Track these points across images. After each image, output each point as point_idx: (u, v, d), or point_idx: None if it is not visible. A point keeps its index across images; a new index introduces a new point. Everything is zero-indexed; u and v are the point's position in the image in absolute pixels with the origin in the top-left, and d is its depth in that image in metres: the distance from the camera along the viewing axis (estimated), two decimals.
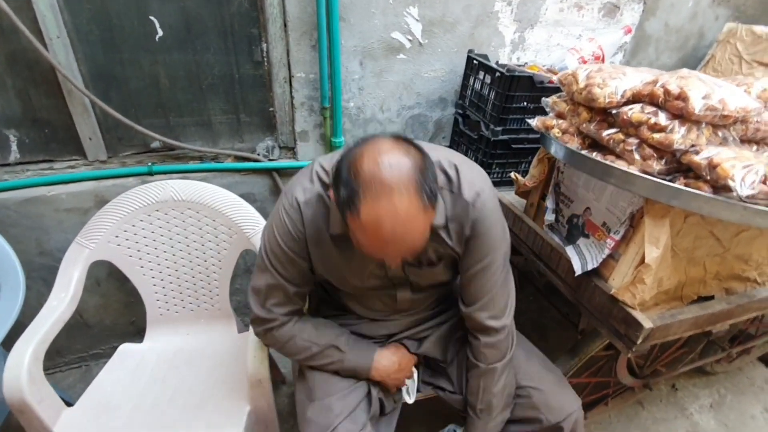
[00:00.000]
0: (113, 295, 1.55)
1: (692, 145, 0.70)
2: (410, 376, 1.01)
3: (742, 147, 0.72)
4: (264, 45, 1.33)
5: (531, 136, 1.32)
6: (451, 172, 0.78)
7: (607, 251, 0.85)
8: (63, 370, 1.66)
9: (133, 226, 1.26)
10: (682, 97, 0.68)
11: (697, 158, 0.68)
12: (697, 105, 0.66)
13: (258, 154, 1.48)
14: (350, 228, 0.67)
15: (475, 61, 1.38)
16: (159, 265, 1.31)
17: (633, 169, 0.74)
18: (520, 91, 1.24)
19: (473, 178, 0.79)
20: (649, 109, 0.73)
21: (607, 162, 0.77)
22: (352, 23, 1.32)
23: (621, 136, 0.77)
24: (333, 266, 0.88)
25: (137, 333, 1.62)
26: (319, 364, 0.94)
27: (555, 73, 1.29)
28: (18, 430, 1.08)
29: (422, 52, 1.45)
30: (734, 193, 0.62)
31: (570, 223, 0.99)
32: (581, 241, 0.95)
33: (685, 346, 1.37)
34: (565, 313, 1.32)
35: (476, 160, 1.40)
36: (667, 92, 0.71)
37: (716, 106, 0.67)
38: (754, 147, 0.77)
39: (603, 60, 1.39)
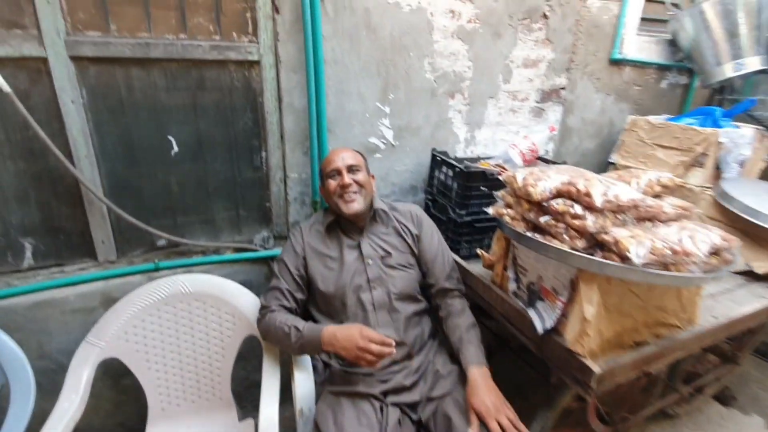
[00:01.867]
0: (105, 395, 1.56)
1: (602, 227, 0.96)
2: (384, 347, 1.08)
3: (637, 226, 1.00)
4: (263, 153, 1.58)
5: (490, 216, 1.60)
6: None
7: (558, 312, 1.07)
8: None
9: (143, 321, 1.36)
10: (587, 194, 0.96)
11: (606, 237, 0.95)
12: (598, 200, 0.94)
13: (255, 245, 1.66)
14: (322, 168, 1.35)
15: (438, 158, 1.69)
16: (164, 358, 1.39)
17: (565, 247, 0.99)
18: (476, 182, 1.53)
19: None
20: (569, 202, 1.01)
21: (546, 242, 1.02)
22: (337, 133, 1.62)
23: (553, 221, 1.03)
24: (325, 269, 1.30)
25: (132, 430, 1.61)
26: (289, 344, 1.20)
27: (502, 167, 1.61)
28: None
29: (394, 152, 1.76)
30: (633, 262, 0.88)
31: (529, 290, 1.21)
32: (539, 305, 1.17)
33: (644, 391, 1.57)
34: (538, 370, 1.50)
35: (447, 239, 1.64)
36: (578, 191, 0.99)
37: (611, 199, 0.95)
38: (649, 224, 1.06)
39: (537, 153, 1.74)
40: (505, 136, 1.98)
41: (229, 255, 1.62)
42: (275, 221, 1.68)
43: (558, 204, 1.01)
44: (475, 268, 1.50)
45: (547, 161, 1.79)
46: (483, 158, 1.83)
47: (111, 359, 1.33)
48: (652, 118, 2.08)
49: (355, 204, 1.29)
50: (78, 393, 1.22)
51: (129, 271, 1.49)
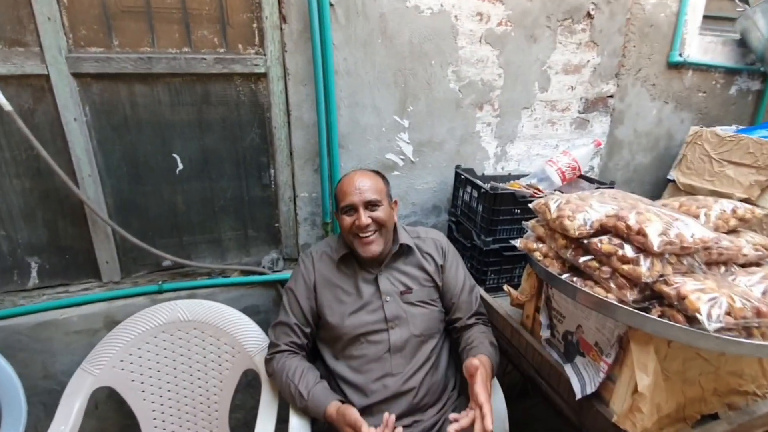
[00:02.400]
0: (110, 419, 1.51)
1: (660, 275, 0.76)
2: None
3: (708, 273, 0.78)
4: (272, 171, 1.48)
5: None
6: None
7: (602, 375, 0.86)
8: None
9: (139, 349, 1.29)
10: (641, 233, 0.76)
11: (666, 289, 0.74)
12: (655, 242, 0.73)
13: (263, 267, 1.55)
14: (336, 195, 1.20)
15: (462, 176, 1.52)
16: (160, 389, 1.31)
17: (611, 298, 0.79)
18: (505, 205, 1.34)
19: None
20: (616, 240, 0.81)
21: (587, 290, 0.82)
22: (350, 149, 1.49)
23: (596, 263, 0.83)
24: (336, 302, 1.16)
25: None
26: (293, 403, 1.11)
27: (536, 189, 1.41)
28: None
29: (414, 168, 1.60)
30: (704, 327, 0.66)
31: (566, 340, 1.01)
32: (579, 360, 0.96)
33: None
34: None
35: (471, 268, 1.46)
36: (628, 227, 0.79)
37: (674, 240, 0.74)
38: (722, 268, 0.83)
39: (579, 170, 1.52)
40: (541, 151, 1.77)
41: (236, 278, 1.53)
42: (285, 243, 1.57)
43: (602, 243, 0.81)
44: (503, 304, 1.30)
45: (591, 180, 1.55)
46: (515, 176, 1.63)
47: (99, 391, 1.26)
48: (719, 130, 1.78)
49: (374, 246, 1.14)
50: (68, 424, 1.16)
51: (132, 292, 1.43)
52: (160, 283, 1.44)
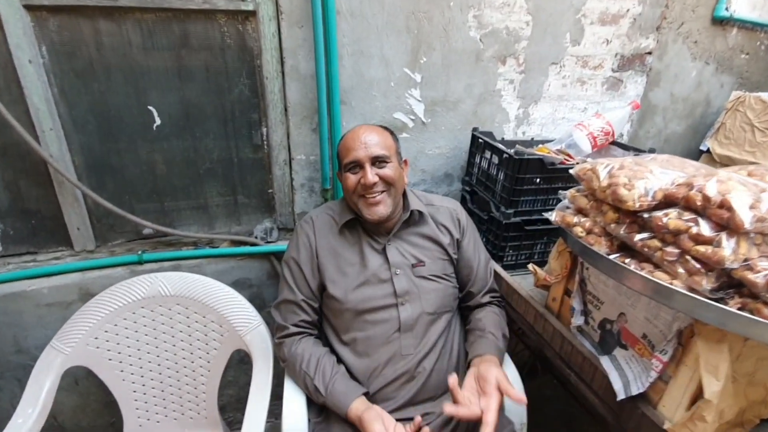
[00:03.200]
0: (92, 394, 1.41)
1: (745, 259, 0.60)
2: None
3: None
4: (264, 129, 1.30)
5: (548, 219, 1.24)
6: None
7: (654, 374, 0.72)
8: None
9: (115, 326, 1.16)
10: (725, 206, 0.60)
11: (752, 276, 0.59)
12: (745, 218, 0.57)
13: (255, 237, 1.40)
14: (339, 153, 1.05)
15: (480, 140, 1.34)
16: (141, 368, 1.19)
17: (678, 285, 0.64)
18: (531, 172, 1.17)
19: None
20: (688, 215, 0.65)
21: (644, 274, 0.67)
22: (354, 106, 1.30)
23: (657, 243, 0.68)
24: (338, 273, 1.03)
25: None
26: (309, 395, 1.00)
27: (568, 155, 1.23)
28: None
29: (425, 131, 1.42)
30: None
31: (603, 329, 0.87)
32: (619, 353, 0.82)
33: None
34: (594, 412, 1.15)
35: (487, 243, 1.31)
36: (706, 198, 0.62)
37: (766, 216, 0.58)
38: None
39: (613, 136, 1.34)
40: (568, 114, 1.58)
41: (226, 248, 1.38)
42: (279, 211, 1.41)
43: (669, 218, 0.65)
44: (523, 284, 1.16)
45: (625, 147, 1.38)
46: (538, 142, 1.45)
47: (78, 368, 1.13)
48: (765, 96, 1.58)
49: (381, 207, 1.00)
50: (36, 406, 1.04)
51: (108, 262, 1.28)
52: (140, 252, 1.30)
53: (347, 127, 1.30)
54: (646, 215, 0.69)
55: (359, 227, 1.07)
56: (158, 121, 1.21)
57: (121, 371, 1.17)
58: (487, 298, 1.13)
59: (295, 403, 0.99)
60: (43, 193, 1.20)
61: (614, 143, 1.40)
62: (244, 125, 1.29)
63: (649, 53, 1.59)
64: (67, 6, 1.03)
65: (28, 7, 1.01)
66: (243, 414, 1.01)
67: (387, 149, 1.01)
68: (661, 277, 0.66)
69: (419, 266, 1.06)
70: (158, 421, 1.22)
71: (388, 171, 1.00)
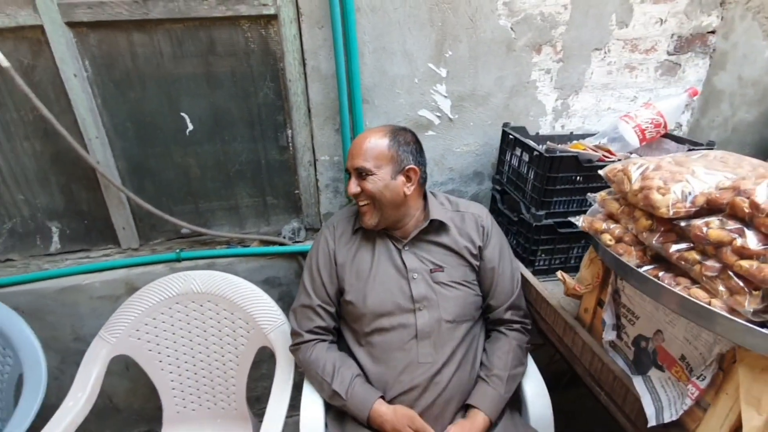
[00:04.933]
0: (140, 380, 1.52)
1: None
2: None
3: None
4: (289, 131, 1.32)
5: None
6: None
7: (689, 401, 0.64)
8: None
9: (154, 319, 1.24)
10: None
11: None
12: None
13: (284, 237, 1.43)
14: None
15: (510, 136, 1.26)
16: (177, 359, 1.27)
17: (717, 305, 0.55)
18: (564, 171, 1.08)
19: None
20: (732, 224, 0.56)
21: (678, 290, 0.59)
22: (377, 105, 1.28)
23: (695, 255, 0.59)
24: (354, 278, 1.03)
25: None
26: (332, 400, 0.99)
27: (607, 151, 1.12)
28: None
29: (452, 128, 1.36)
30: None
31: (637, 346, 0.78)
32: (654, 374, 0.74)
33: None
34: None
35: (517, 245, 1.24)
36: (754, 205, 0.53)
37: None
38: None
39: (665, 128, 1.20)
40: (614, 105, 1.44)
41: (255, 248, 1.42)
42: (305, 211, 1.43)
43: (710, 227, 0.57)
44: (554, 291, 1.08)
45: (680, 140, 1.23)
46: (579, 136, 1.34)
47: (123, 356, 1.23)
48: None
49: (366, 218, 1.02)
50: (85, 391, 1.15)
51: (150, 260, 1.37)
52: (178, 251, 1.37)
53: (370, 125, 1.28)
54: (683, 223, 0.61)
55: (376, 232, 1.06)
56: (190, 127, 1.26)
57: (160, 362, 1.26)
58: (509, 315, 1.07)
59: (312, 408, 1.00)
60: (93, 196, 1.30)
61: (667, 136, 1.25)
62: (270, 128, 1.31)
63: (712, 32, 1.40)
64: (104, 21, 1.09)
65: (70, 24, 1.09)
66: None
67: (373, 160, 0.97)
68: (698, 295, 0.58)
69: (437, 272, 1.02)
70: (193, 410, 1.30)
71: (367, 184, 0.98)
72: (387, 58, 1.22)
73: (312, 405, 1.00)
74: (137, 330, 1.23)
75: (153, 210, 1.28)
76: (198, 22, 1.14)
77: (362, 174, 0.98)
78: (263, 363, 1.55)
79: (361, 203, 1.00)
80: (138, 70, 1.18)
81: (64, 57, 1.10)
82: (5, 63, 1.05)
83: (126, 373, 1.51)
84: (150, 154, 1.29)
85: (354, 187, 0.98)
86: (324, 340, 1.06)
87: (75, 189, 1.30)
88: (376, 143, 0.98)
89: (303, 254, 1.43)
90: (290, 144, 1.34)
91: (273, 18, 1.15)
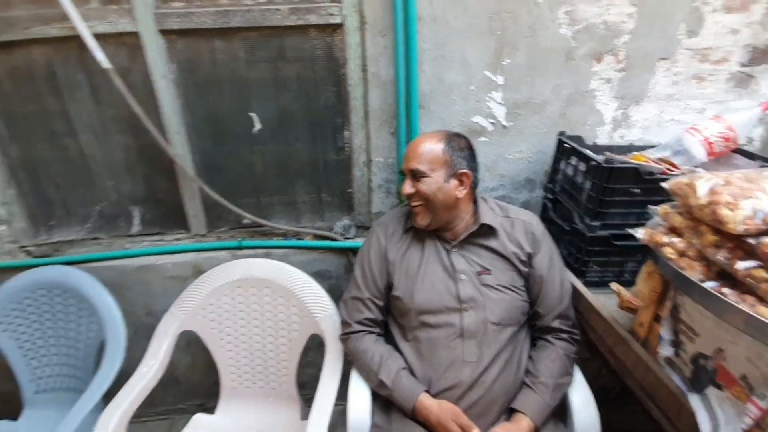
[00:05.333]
0: (200, 357, 1.66)
1: None
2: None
3: None
4: (346, 133, 1.39)
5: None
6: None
7: (748, 421, 0.62)
8: (153, 420, 1.79)
9: (218, 300, 1.35)
10: None
11: None
12: None
13: (335, 233, 1.51)
14: None
15: (565, 145, 1.25)
16: (236, 339, 1.37)
17: None
18: (623, 182, 1.07)
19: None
20: None
21: (744, 308, 0.58)
22: (432, 110, 1.32)
23: (764, 273, 0.58)
24: (403, 275, 1.07)
25: (217, 394, 1.69)
26: (378, 389, 1.04)
27: (671, 164, 1.09)
28: None
29: (506, 134, 1.37)
30: None
31: (695, 364, 0.77)
32: (711, 392, 0.72)
33: None
34: None
35: (568, 255, 1.23)
36: None
37: None
38: None
39: (735, 142, 1.14)
40: (679, 116, 1.39)
41: (309, 241, 1.51)
42: (357, 209, 1.49)
43: None
44: (606, 303, 1.07)
45: (751, 156, 1.17)
46: (639, 147, 1.30)
47: (189, 332, 1.35)
48: None
49: (419, 218, 1.06)
50: (157, 359, 1.28)
51: (216, 246, 1.50)
52: (240, 239, 1.49)
53: (425, 130, 1.33)
54: (752, 240, 0.60)
55: (426, 232, 1.10)
56: (258, 126, 1.37)
57: (221, 339, 1.37)
58: (557, 324, 1.07)
59: (359, 396, 1.06)
60: (170, 186, 1.44)
61: (737, 151, 1.20)
62: (329, 129, 1.39)
63: None
64: (191, 29, 1.22)
65: (162, 31, 1.22)
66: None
67: (429, 163, 1.02)
68: (764, 313, 0.57)
69: (485, 274, 1.05)
70: (247, 387, 1.40)
71: (422, 186, 1.02)
72: (445, 66, 1.26)
73: (359, 393, 1.06)
74: (203, 309, 1.35)
75: (221, 201, 1.40)
76: (271, 31, 1.24)
77: (417, 176, 1.02)
78: (310, 351, 1.64)
79: (414, 204, 1.05)
80: (216, 74, 1.29)
81: (155, 61, 1.24)
82: (107, 65, 1.20)
83: (188, 348, 1.65)
84: (221, 152, 1.41)
85: (408, 187, 1.03)
86: (372, 332, 1.11)
87: (155, 179, 1.44)
88: (431, 147, 1.03)
89: (353, 250, 1.50)
90: (346, 145, 1.41)
91: (338, 27, 1.23)
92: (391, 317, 1.14)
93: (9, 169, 1.37)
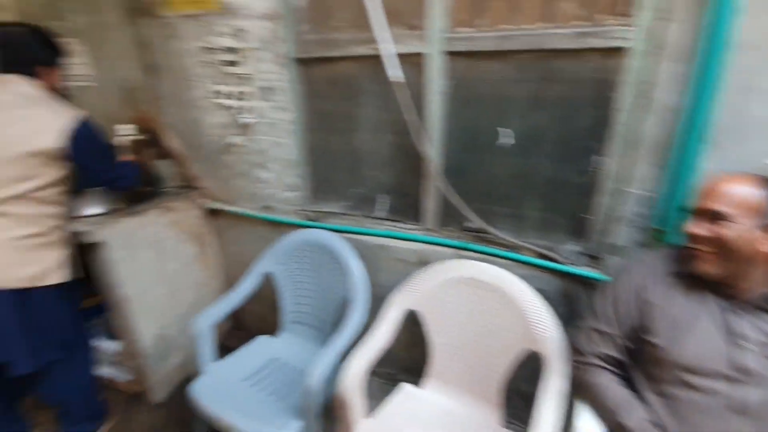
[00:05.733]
0: (416, 337, 1.74)
1: None
2: None
3: None
4: (598, 157, 1.34)
5: None
6: None
7: None
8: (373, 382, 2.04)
9: (447, 290, 1.51)
10: None
11: None
12: None
13: (560, 255, 1.49)
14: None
15: None
16: (453, 329, 1.51)
17: None
18: None
19: None
20: None
21: None
22: (723, 147, 1.14)
23: None
24: (667, 323, 0.99)
25: (421, 374, 1.73)
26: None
27: None
28: None
29: None
30: None
31: None
32: None
33: None
34: None
35: None
36: None
37: None
38: None
39: None
40: None
41: (531, 258, 1.54)
42: (590, 237, 1.44)
43: None
44: None
45: None
46: None
47: (414, 311, 1.56)
48: None
49: (701, 263, 0.96)
50: (389, 326, 1.52)
51: (443, 242, 1.67)
52: (464, 241, 1.63)
53: (710, 168, 1.17)
54: None
55: (705, 282, 0.98)
56: (511, 141, 1.45)
57: (441, 326, 1.54)
58: None
59: (591, 427, 1.05)
60: (416, 182, 1.67)
61: None
62: (578, 151, 1.37)
63: None
64: (473, 51, 1.37)
65: (447, 53, 1.41)
66: (523, 411, 1.14)
67: (736, 207, 0.90)
68: None
69: None
70: (454, 375, 1.53)
71: (723, 230, 0.91)
72: (754, 99, 1.07)
73: (590, 427, 1.05)
74: (433, 294, 1.53)
75: (459, 204, 1.55)
76: (545, 53, 1.29)
77: (716, 218, 0.93)
78: (524, 368, 1.60)
79: (700, 247, 0.95)
80: (481, 90, 1.43)
81: (433, 78, 1.45)
82: (402, 79, 1.47)
83: (407, 327, 1.86)
84: (467, 159, 1.55)
85: (702, 229, 0.94)
86: (609, 370, 1.08)
87: (405, 174, 1.69)
88: (743, 190, 0.92)
89: (574, 277, 1.46)
90: (594, 170, 1.37)
91: (621, 50, 1.18)
92: (637, 363, 1.08)
93: (309, 150, 1.83)
